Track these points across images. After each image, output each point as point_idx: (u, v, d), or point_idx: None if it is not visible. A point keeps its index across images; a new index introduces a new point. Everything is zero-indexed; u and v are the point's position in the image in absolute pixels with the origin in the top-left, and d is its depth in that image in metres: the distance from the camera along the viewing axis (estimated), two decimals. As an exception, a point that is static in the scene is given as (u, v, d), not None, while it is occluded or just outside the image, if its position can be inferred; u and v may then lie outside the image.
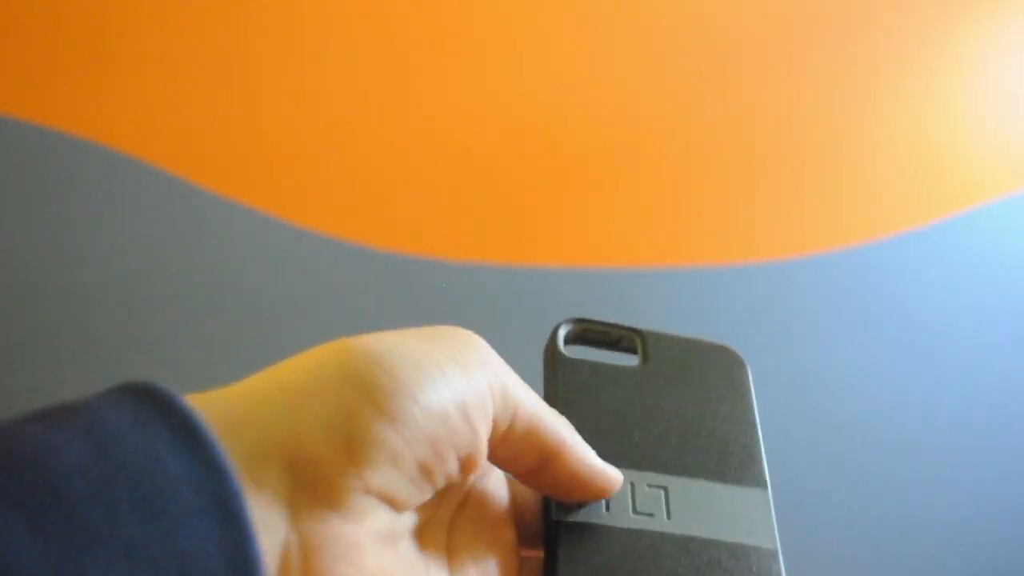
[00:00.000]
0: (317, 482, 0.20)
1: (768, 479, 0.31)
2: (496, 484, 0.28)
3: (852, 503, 1.14)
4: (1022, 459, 1.18)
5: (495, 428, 0.25)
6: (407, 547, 0.24)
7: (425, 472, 0.23)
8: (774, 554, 0.30)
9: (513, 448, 0.26)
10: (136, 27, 1.03)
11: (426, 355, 0.23)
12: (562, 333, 0.33)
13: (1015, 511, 1.17)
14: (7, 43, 1.01)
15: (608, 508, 0.28)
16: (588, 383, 0.31)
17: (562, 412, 0.28)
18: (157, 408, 0.19)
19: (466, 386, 0.23)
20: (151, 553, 0.17)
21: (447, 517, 0.26)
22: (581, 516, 0.28)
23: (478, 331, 0.26)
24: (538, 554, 0.28)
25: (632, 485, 0.29)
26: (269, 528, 0.20)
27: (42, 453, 0.17)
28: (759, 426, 0.32)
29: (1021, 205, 1.17)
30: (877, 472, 1.15)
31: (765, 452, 0.31)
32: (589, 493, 0.27)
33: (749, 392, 0.33)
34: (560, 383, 0.30)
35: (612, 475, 0.28)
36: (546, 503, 0.28)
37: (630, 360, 0.33)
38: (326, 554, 0.20)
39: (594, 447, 0.27)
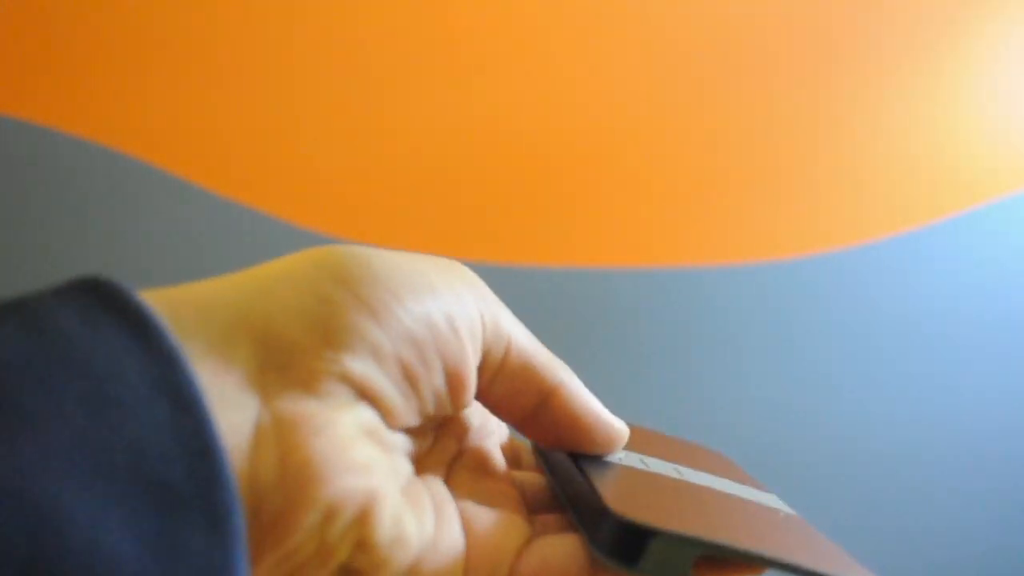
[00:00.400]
0: (290, 364, 0.19)
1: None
2: (496, 448, 0.27)
3: (852, 503, 1.14)
4: (1022, 460, 1.18)
5: (486, 359, 0.23)
6: (402, 462, 0.22)
7: (409, 378, 0.21)
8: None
9: (506, 385, 0.24)
10: (136, 27, 1.03)
11: (415, 269, 0.22)
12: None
13: (1015, 512, 1.17)
14: (7, 43, 1.01)
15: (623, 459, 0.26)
16: None
17: None
18: (104, 299, 0.18)
19: (455, 303, 0.22)
20: (100, 443, 0.16)
21: (444, 460, 0.25)
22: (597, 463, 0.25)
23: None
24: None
25: (642, 458, 0.27)
26: (238, 407, 0.19)
27: None
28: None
29: (1021, 205, 1.17)
30: (877, 472, 1.14)
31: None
32: (593, 443, 0.25)
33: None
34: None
35: (617, 425, 0.26)
36: (549, 468, 0.26)
37: None
38: (303, 429, 0.19)
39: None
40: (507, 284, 1.07)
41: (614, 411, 0.27)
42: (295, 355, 0.19)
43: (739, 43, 1.12)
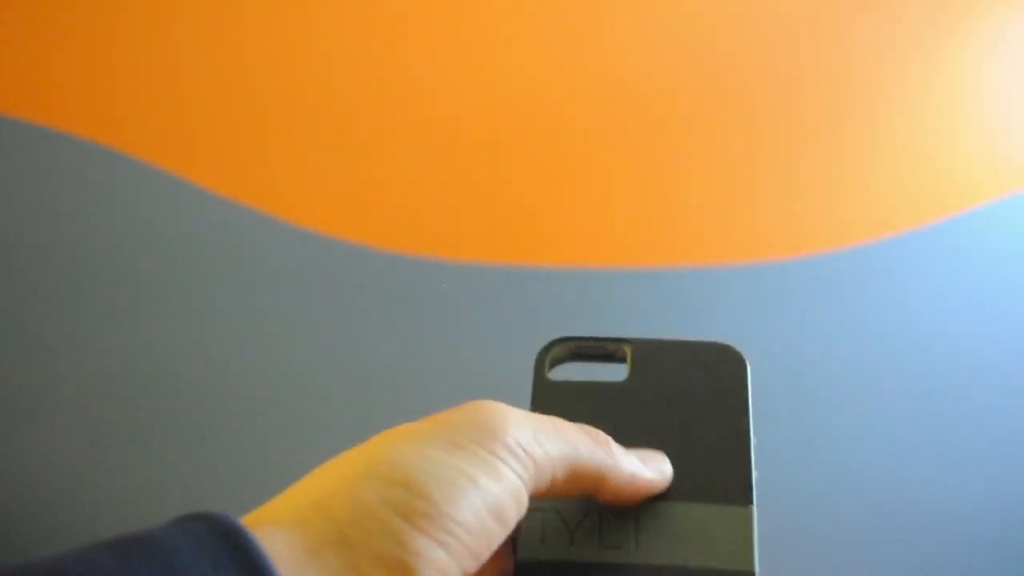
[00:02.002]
0: None
1: (754, 494, 0.29)
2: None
3: (852, 504, 1.14)
4: (1021, 460, 1.18)
5: (538, 490, 0.26)
6: None
7: (467, 572, 0.24)
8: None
9: (561, 492, 0.27)
10: (136, 27, 1.03)
11: (453, 467, 0.24)
12: (548, 358, 0.32)
13: (1015, 512, 1.17)
14: (7, 43, 1.01)
15: (573, 541, 0.28)
16: (572, 407, 0.30)
17: None
18: (233, 549, 0.20)
19: (497, 489, 0.24)
20: None
21: None
22: (546, 554, 0.28)
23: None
24: None
25: (600, 514, 0.28)
26: None
27: None
28: (751, 434, 0.30)
29: (1021, 205, 1.17)
30: (877, 472, 1.14)
31: (756, 463, 0.30)
32: (640, 498, 0.29)
33: (744, 395, 0.31)
34: (543, 411, 0.29)
35: (658, 481, 0.28)
36: (514, 542, 0.28)
37: (622, 372, 0.32)
38: None
39: None
40: (507, 284, 1.07)
41: None
42: None
43: (739, 44, 1.12)
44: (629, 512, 0.29)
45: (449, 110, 1.07)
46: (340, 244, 1.05)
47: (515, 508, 0.25)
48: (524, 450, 0.25)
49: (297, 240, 1.04)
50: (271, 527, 0.22)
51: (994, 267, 1.17)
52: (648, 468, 0.29)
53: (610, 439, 0.28)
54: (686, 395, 0.31)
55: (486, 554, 0.24)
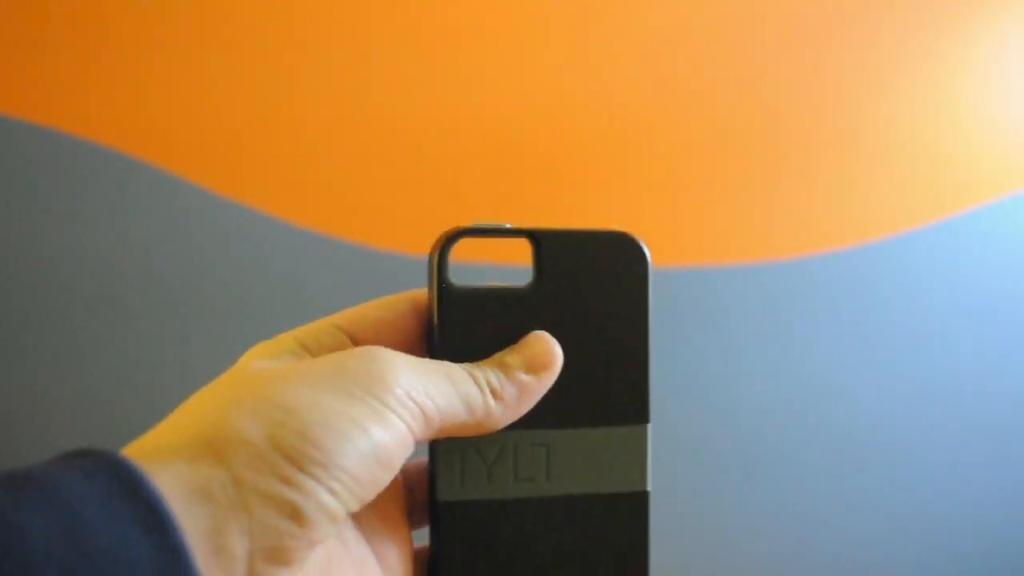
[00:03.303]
0: (272, 547, 0.23)
1: (649, 410, 0.30)
2: None
3: (851, 504, 1.14)
4: (1022, 459, 1.18)
5: (423, 438, 0.27)
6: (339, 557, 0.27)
7: (351, 512, 0.25)
8: (643, 497, 0.29)
9: (443, 436, 0.28)
10: (136, 27, 1.03)
11: (345, 416, 0.24)
12: (447, 253, 0.30)
13: (1015, 512, 1.17)
14: (7, 43, 1.01)
15: (490, 478, 0.29)
16: (476, 317, 0.29)
17: (448, 358, 0.28)
18: (124, 486, 0.20)
19: (387, 438, 0.25)
20: None
21: None
22: (463, 493, 0.28)
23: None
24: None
25: (516, 447, 0.29)
26: None
27: (10, 532, 0.18)
28: (649, 341, 0.30)
29: (1021, 205, 1.17)
30: (876, 472, 1.14)
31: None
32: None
33: (644, 295, 0.30)
34: (444, 322, 0.29)
35: (528, 404, 0.29)
36: (431, 484, 0.29)
37: (526, 273, 0.30)
38: None
39: None
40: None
41: None
42: (274, 539, 0.23)
43: (739, 43, 1.12)
44: (541, 442, 0.29)
45: (449, 110, 1.07)
46: (340, 244, 1.05)
47: (401, 455, 0.26)
48: (414, 401, 0.26)
49: (297, 240, 1.04)
50: (159, 463, 0.22)
51: (994, 267, 1.17)
52: (534, 377, 0.29)
53: (496, 387, 0.28)
54: (589, 302, 0.30)
55: (371, 496, 0.25)
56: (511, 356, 0.29)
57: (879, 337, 1.15)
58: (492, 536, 0.28)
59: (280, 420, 0.24)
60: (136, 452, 0.23)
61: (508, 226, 0.30)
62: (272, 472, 0.23)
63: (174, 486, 0.22)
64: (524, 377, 0.29)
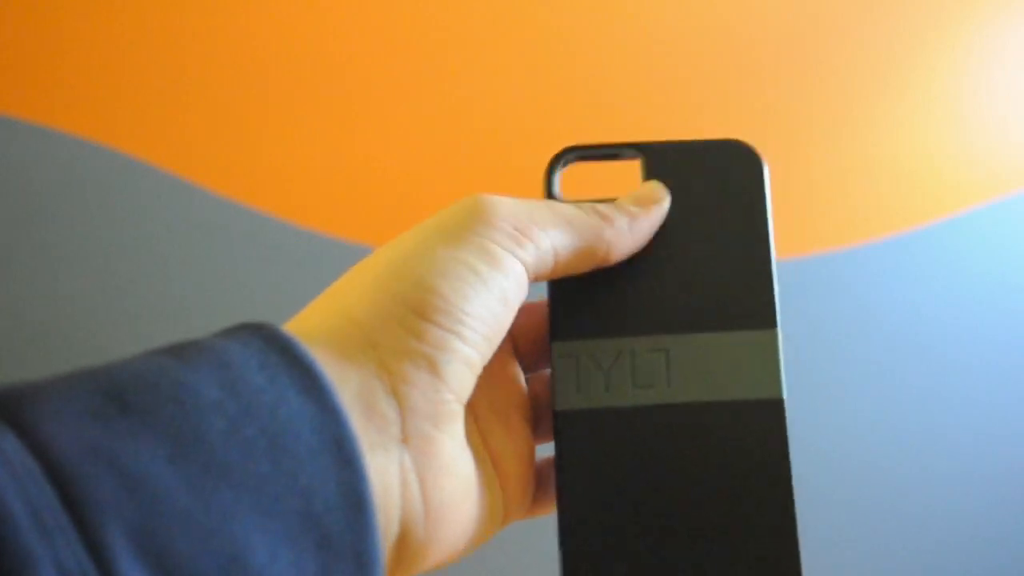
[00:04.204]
0: (418, 404, 0.23)
1: (777, 314, 0.28)
2: (515, 374, 0.30)
3: (851, 504, 1.14)
4: (1022, 460, 1.18)
5: (542, 271, 0.27)
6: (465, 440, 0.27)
7: (486, 359, 0.25)
8: (778, 404, 0.29)
9: (565, 271, 0.28)
10: (136, 27, 1.03)
11: (457, 260, 0.25)
12: (558, 175, 0.31)
13: (1015, 513, 1.17)
14: (7, 43, 1.01)
15: (608, 387, 0.28)
16: None
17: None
18: (279, 351, 0.21)
19: (499, 276, 0.25)
20: (277, 489, 0.19)
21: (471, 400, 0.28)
22: (581, 402, 0.27)
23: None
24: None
25: (633, 353, 0.28)
26: (386, 451, 0.23)
27: (183, 390, 0.19)
28: (771, 244, 0.29)
29: (1021, 205, 1.17)
30: (876, 473, 1.14)
31: (778, 279, 0.29)
32: (644, 240, 0.30)
33: (762, 200, 0.29)
34: None
35: (656, 217, 0.29)
36: (552, 392, 0.28)
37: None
38: (435, 470, 0.24)
39: (590, 314, 0.28)
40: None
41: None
42: (420, 395, 0.23)
43: (738, 43, 1.12)
44: (659, 346, 0.28)
45: (449, 110, 1.07)
46: (340, 244, 1.05)
47: (518, 291, 0.26)
48: (523, 233, 0.26)
49: (297, 240, 1.04)
50: (307, 334, 0.23)
51: (994, 267, 1.17)
52: (642, 208, 0.29)
53: (605, 212, 0.29)
54: (703, 209, 0.29)
55: (499, 338, 0.26)
56: (621, 198, 0.30)
57: (879, 337, 1.15)
58: (614, 445, 0.27)
59: (401, 275, 0.24)
60: (292, 326, 0.24)
61: (617, 144, 0.30)
62: (402, 328, 0.23)
63: (323, 352, 0.23)
64: (633, 208, 0.29)
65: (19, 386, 0.19)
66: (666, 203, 0.29)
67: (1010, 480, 1.17)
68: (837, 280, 1.13)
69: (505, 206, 0.27)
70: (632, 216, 0.29)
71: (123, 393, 0.19)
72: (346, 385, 0.22)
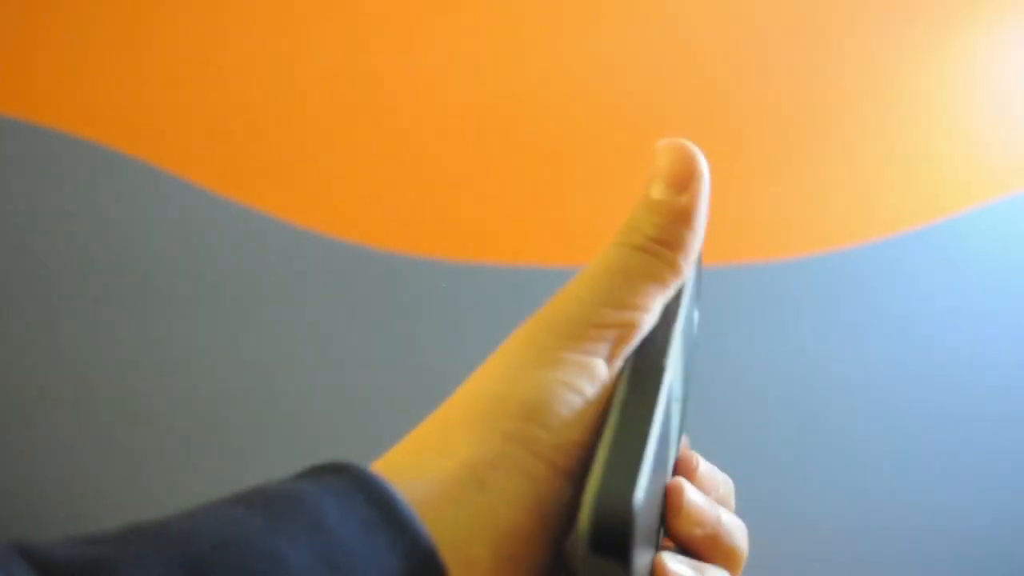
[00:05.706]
0: (518, 555, 0.21)
1: None
2: None
3: (850, 504, 1.14)
4: (1021, 460, 1.18)
5: (634, 343, 0.25)
6: None
7: None
8: None
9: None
10: (136, 26, 1.03)
11: (559, 383, 0.23)
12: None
13: (1014, 512, 1.17)
14: (7, 43, 1.01)
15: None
16: None
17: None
18: (377, 508, 0.20)
19: (598, 389, 0.24)
20: None
21: None
22: None
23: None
24: None
25: None
26: None
27: (272, 561, 0.18)
28: None
29: (1021, 205, 1.17)
30: (876, 472, 1.14)
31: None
32: None
33: None
34: None
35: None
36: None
37: None
38: None
39: None
40: (507, 284, 1.07)
41: None
42: (521, 545, 0.21)
43: (738, 44, 1.12)
44: None
45: (449, 110, 1.07)
46: (340, 244, 1.05)
47: (613, 377, 0.25)
48: (612, 326, 0.24)
49: (297, 240, 1.04)
50: (407, 479, 0.21)
51: (994, 267, 1.17)
52: (677, 205, 0.26)
53: (657, 234, 0.26)
54: None
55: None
56: (653, 187, 0.26)
57: (879, 337, 1.14)
58: None
59: (507, 410, 0.23)
60: (384, 466, 0.22)
61: None
62: (515, 467, 0.22)
63: (423, 498, 0.21)
64: (678, 200, 0.26)
65: (90, 555, 0.17)
66: (703, 166, 0.25)
67: (1011, 475, 1.17)
68: (837, 280, 1.13)
69: (584, 304, 0.25)
70: (680, 214, 0.25)
71: (207, 570, 0.17)
72: (446, 531, 0.21)
